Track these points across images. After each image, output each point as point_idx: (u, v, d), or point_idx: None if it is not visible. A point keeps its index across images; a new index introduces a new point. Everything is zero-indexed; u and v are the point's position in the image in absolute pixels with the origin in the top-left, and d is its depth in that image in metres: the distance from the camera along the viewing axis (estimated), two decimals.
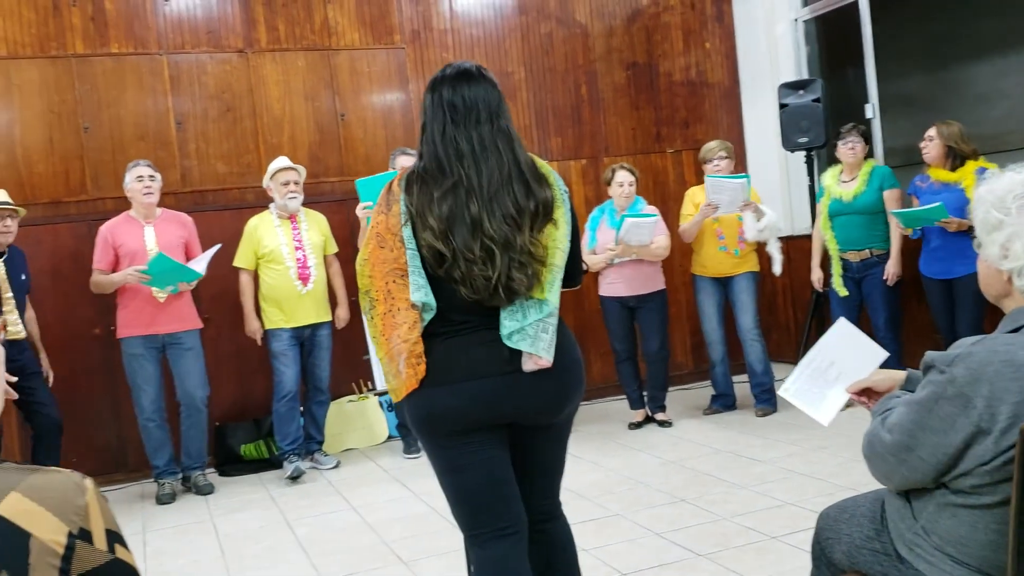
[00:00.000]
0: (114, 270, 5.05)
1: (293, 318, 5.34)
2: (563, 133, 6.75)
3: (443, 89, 2.30)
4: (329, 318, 5.51)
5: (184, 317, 5.19)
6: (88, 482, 1.11)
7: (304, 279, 5.34)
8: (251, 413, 5.79)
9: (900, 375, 2.08)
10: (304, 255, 5.36)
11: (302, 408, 5.58)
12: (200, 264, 5.06)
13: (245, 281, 5.39)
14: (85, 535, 1.07)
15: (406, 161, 5.36)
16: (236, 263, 5.36)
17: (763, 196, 6.23)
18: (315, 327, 5.43)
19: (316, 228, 5.50)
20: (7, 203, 4.78)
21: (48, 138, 5.56)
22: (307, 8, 6.15)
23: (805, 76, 6.88)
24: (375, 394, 6.09)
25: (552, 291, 2.27)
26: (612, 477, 4.77)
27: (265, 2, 6.04)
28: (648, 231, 5.41)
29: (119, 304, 5.13)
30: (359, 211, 4.99)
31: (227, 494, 5.21)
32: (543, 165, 2.36)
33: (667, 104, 7.05)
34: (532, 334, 2.23)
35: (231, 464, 5.68)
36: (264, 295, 5.37)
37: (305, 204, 5.56)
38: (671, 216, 6.04)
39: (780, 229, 5.80)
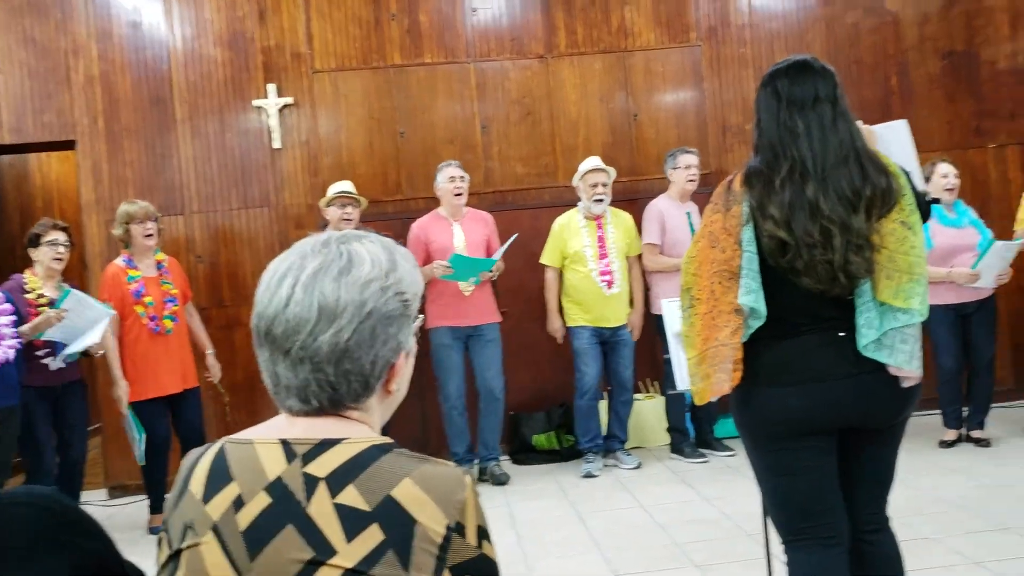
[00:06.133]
0: (426, 264, 5.41)
1: (597, 319, 5.42)
2: None
3: (779, 80, 2.28)
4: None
5: (487, 310, 5.48)
6: (468, 479, 1.15)
7: (609, 282, 5.40)
8: (544, 404, 5.97)
9: None
10: (609, 258, 5.42)
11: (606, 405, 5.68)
12: (496, 253, 5.30)
13: (551, 278, 5.53)
14: (460, 528, 1.10)
15: (689, 159, 5.45)
16: (543, 260, 5.54)
17: None
18: (616, 328, 5.48)
19: (622, 229, 5.53)
20: (350, 192, 5.31)
21: (369, 143, 6.08)
22: (604, 10, 6.25)
23: None
24: (664, 394, 6.05)
25: (914, 300, 2.17)
26: (922, 497, 4.41)
27: (565, 7, 6.21)
28: (1008, 257, 5.03)
29: (429, 298, 5.48)
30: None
31: (521, 482, 5.41)
32: (885, 158, 2.28)
33: (990, 95, 6.43)
34: (889, 344, 2.17)
35: (524, 453, 5.90)
36: (568, 294, 5.49)
37: None
38: (993, 219, 5.49)
39: None
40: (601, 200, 5.40)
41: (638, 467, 5.49)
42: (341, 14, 6.04)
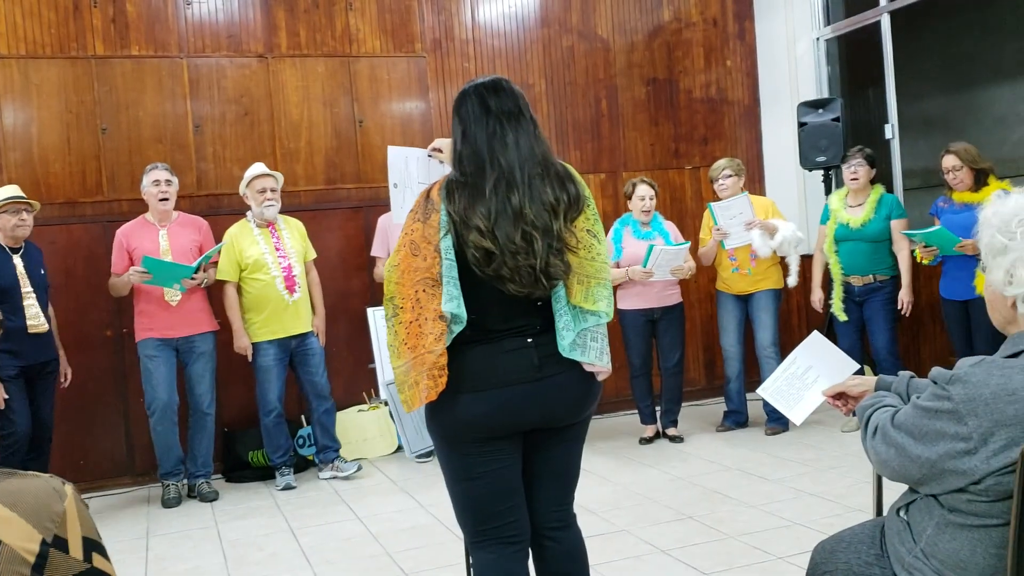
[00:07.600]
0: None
1: (281, 328, 5.24)
2: (582, 147, 6.72)
3: (477, 96, 2.35)
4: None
5: (198, 320, 5.19)
6: (68, 488, 1.06)
7: (291, 288, 5.25)
8: (259, 420, 5.75)
9: (872, 380, 2.15)
10: (289, 263, 5.28)
11: (307, 420, 5.56)
12: (199, 259, 5.03)
13: (231, 294, 5.24)
14: (60, 543, 1.02)
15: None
16: (219, 276, 5.23)
17: (781, 213, 6.19)
18: (303, 336, 5.34)
19: (296, 235, 5.41)
20: (21, 197, 4.78)
21: (65, 138, 5.58)
22: (328, 15, 6.16)
23: (825, 95, 6.84)
24: (385, 403, 6.05)
25: (601, 303, 2.35)
26: (620, 492, 4.72)
27: (287, 8, 6.06)
28: (679, 257, 5.48)
29: (136, 307, 5.14)
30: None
31: (233, 500, 5.19)
32: (571, 168, 2.41)
33: (686, 121, 7.02)
34: (581, 344, 2.31)
35: (238, 470, 5.65)
36: (248, 307, 5.25)
37: (321, 210, 5.54)
38: (688, 233, 6.00)
39: (801, 239, 5.76)
40: (273, 205, 5.26)
41: (359, 470, 5.45)
42: None
